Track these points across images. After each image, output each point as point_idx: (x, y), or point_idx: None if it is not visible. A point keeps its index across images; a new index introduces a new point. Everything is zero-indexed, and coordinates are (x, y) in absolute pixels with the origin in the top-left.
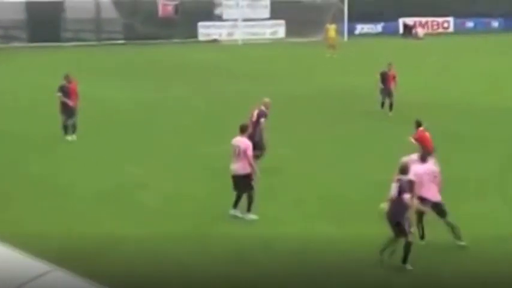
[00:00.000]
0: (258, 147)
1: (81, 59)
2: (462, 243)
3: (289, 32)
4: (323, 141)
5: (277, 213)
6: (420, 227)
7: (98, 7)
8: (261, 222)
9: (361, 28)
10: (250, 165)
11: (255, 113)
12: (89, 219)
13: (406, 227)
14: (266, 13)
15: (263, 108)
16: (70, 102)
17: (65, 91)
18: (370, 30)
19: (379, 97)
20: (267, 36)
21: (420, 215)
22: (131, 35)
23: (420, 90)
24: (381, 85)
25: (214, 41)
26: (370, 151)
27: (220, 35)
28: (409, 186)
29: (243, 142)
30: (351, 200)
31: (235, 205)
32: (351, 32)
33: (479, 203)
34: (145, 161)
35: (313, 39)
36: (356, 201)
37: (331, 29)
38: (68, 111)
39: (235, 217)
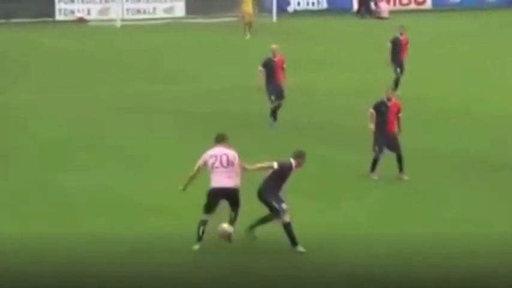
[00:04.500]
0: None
1: None
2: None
3: (192, 8)
4: None
5: None
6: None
7: None
8: None
9: (296, 3)
10: (245, 169)
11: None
12: None
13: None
14: None
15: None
16: None
17: None
18: (310, 7)
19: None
20: (160, 14)
21: None
22: None
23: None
24: (389, 58)
25: (80, 21)
26: None
27: (88, 12)
28: None
29: (228, 151)
30: None
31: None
32: (281, 8)
33: None
34: None
35: (226, 18)
36: None
37: (247, 0)
38: None
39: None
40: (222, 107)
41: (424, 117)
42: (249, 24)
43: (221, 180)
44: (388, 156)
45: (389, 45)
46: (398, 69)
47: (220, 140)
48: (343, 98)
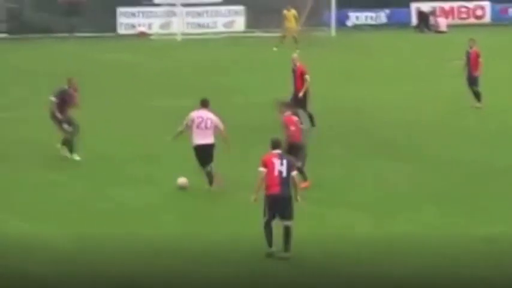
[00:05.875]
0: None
1: None
2: None
3: (252, 23)
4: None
5: None
6: None
7: None
8: None
9: (355, 17)
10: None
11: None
12: None
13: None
14: None
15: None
16: None
17: None
18: (370, 21)
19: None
20: (220, 29)
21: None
22: (17, 26)
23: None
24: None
25: (142, 35)
26: None
27: (149, 26)
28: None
29: (214, 117)
30: None
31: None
32: (340, 22)
33: None
34: None
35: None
36: None
37: (290, 15)
38: None
39: None
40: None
41: (488, 129)
42: (295, 40)
43: (203, 137)
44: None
45: (464, 58)
46: (472, 84)
47: (205, 104)
48: (400, 112)
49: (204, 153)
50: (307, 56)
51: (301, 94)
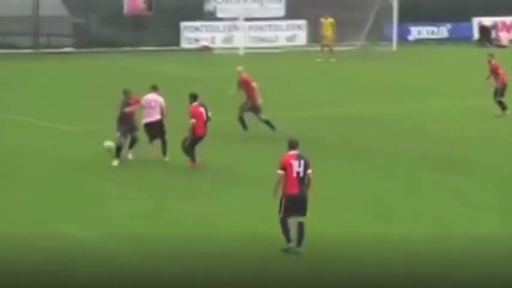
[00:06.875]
0: (259, 109)
1: (8, 75)
2: None
3: (313, 37)
4: None
5: None
6: None
7: (37, 1)
8: None
9: (417, 32)
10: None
11: (245, 80)
12: None
13: None
14: (280, 10)
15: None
16: None
17: None
18: (431, 35)
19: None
20: (282, 43)
21: None
22: (84, 40)
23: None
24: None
25: (205, 49)
26: None
27: (212, 40)
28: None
29: (159, 98)
30: None
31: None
32: (403, 36)
33: None
34: None
35: (348, 47)
36: None
37: (327, 23)
38: None
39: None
40: (346, 135)
41: None
42: (330, 49)
43: (150, 116)
44: None
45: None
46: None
47: (154, 89)
48: (458, 127)
49: (153, 129)
50: (368, 69)
51: (260, 101)
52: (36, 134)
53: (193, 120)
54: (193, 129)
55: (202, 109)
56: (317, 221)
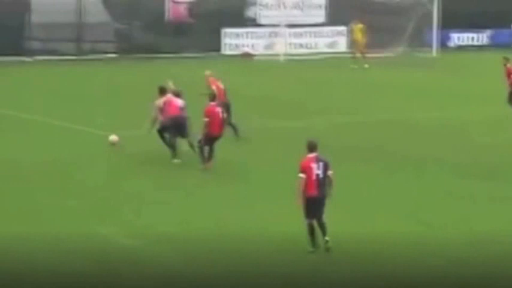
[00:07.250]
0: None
1: (52, 81)
2: None
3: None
4: None
5: None
6: None
7: (80, 7)
8: None
9: (457, 38)
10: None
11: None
12: None
13: None
14: (321, 16)
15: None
16: None
17: None
18: (472, 42)
19: None
20: (322, 49)
21: None
22: (127, 46)
23: None
24: None
25: (246, 55)
26: None
27: (253, 47)
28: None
29: (178, 100)
30: None
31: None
32: (443, 43)
33: None
34: None
35: (387, 53)
36: None
37: (357, 29)
38: None
39: None
40: (379, 142)
41: None
42: (363, 55)
43: (176, 113)
44: None
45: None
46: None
47: (171, 93)
48: (498, 134)
49: (181, 124)
50: (407, 76)
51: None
52: (75, 139)
53: (206, 119)
54: (205, 128)
55: (218, 109)
56: (357, 225)
